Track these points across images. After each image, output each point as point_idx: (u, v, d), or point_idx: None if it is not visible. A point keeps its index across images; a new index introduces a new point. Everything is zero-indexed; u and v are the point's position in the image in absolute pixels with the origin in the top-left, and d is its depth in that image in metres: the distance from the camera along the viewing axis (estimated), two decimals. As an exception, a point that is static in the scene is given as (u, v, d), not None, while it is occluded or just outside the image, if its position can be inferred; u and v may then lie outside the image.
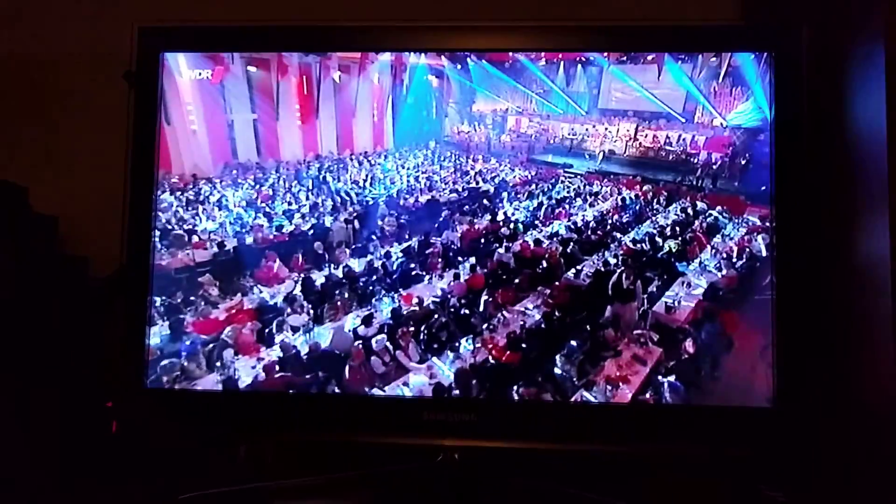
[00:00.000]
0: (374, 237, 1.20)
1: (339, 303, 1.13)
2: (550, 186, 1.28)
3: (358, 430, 0.97)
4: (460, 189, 1.27)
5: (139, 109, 1.05)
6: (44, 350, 1.07)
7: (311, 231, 1.21)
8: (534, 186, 1.30)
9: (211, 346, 1.08)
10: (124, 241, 1.05)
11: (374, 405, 0.96)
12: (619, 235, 1.23)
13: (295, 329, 1.11)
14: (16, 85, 1.32)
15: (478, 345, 1.09)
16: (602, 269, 1.16)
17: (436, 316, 1.13)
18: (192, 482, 1.00)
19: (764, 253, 1.05)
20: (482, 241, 1.21)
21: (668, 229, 1.23)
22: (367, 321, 1.13)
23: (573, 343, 1.08)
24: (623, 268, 1.13)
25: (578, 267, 1.19)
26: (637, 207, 1.27)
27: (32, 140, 1.31)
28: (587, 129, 1.28)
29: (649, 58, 1.11)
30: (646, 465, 0.98)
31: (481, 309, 1.13)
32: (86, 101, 1.30)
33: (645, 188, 1.27)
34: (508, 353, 1.09)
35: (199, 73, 1.10)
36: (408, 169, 1.32)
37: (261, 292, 1.13)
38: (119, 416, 1.00)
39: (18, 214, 1.12)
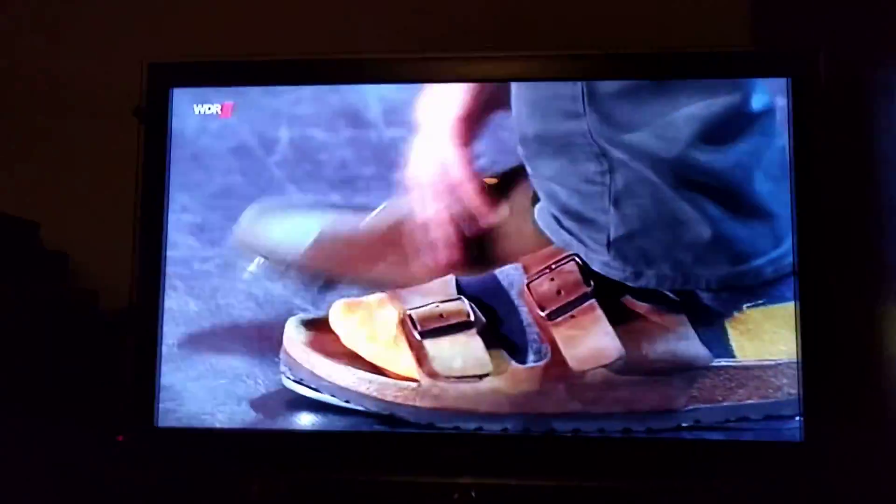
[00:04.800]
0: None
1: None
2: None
3: (370, 467, 0.96)
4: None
5: (149, 145, 1.05)
6: (54, 385, 1.06)
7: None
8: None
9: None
10: (134, 277, 1.04)
11: (386, 441, 0.94)
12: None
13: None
14: (26, 121, 1.34)
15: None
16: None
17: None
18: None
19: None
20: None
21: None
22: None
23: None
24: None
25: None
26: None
27: (43, 176, 1.33)
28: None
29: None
30: (670, 500, 0.94)
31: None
32: (96, 137, 1.31)
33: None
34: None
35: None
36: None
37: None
38: (130, 453, 0.99)
39: (30, 250, 1.13)
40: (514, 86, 0.98)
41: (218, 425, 1.00)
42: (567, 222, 0.95)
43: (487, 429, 0.94)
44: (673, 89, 0.91)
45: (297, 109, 1.08)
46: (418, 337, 0.95)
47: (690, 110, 0.91)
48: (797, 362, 0.95)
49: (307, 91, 1.09)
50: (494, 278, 0.97)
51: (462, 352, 0.93)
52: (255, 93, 1.08)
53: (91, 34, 1.38)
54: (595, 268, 0.95)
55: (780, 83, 0.99)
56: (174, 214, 1.07)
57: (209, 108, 1.08)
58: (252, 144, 1.09)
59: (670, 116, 0.92)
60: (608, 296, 0.94)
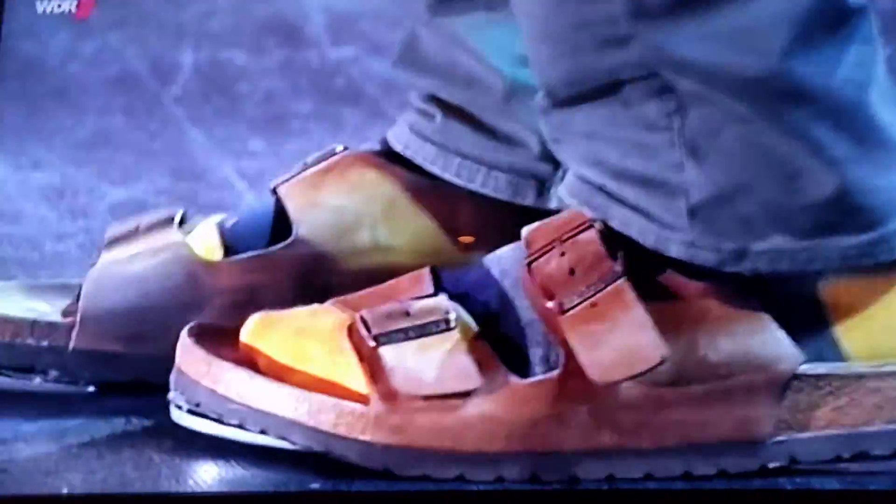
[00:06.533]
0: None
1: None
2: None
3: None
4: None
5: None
6: None
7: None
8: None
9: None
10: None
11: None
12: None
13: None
14: None
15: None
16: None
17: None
18: None
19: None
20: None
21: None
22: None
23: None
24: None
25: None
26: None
27: None
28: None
29: None
30: None
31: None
32: None
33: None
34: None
35: None
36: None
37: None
38: None
39: None
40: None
41: (66, 492, 0.69)
42: (626, 192, 0.72)
43: (473, 477, 0.69)
44: None
45: (208, 25, 0.87)
46: (371, 343, 0.69)
47: (777, 7, 0.70)
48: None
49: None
50: (482, 267, 0.75)
51: (437, 359, 0.69)
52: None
53: None
54: (673, 253, 0.72)
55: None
56: (20, 173, 0.84)
57: (59, 6, 0.83)
58: (141, 74, 0.88)
59: (752, 20, 0.70)
60: (643, 273, 0.71)
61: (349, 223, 0.77)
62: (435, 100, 0.77)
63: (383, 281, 0.76)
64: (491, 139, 0.76)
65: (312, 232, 0.76)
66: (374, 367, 0.69)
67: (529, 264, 0.71)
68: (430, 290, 0.72)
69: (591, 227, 0.71)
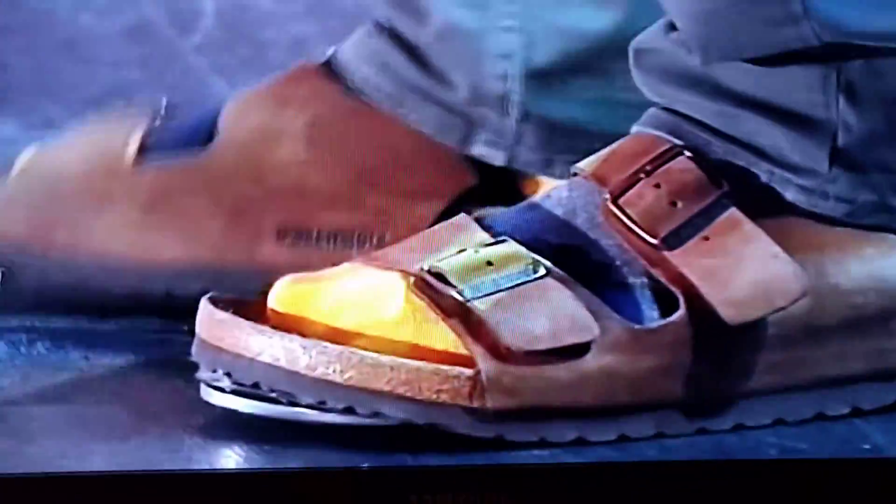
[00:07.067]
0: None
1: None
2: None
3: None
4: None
5: None
6: None
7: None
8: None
9: None
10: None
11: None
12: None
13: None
14: None
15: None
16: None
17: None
18: None
19: None
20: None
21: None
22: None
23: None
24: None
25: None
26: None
27: None
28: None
29: None
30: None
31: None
32: None
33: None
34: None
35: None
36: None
37: None
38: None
39: None
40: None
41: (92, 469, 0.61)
42: (740, 126, 0.68)
43: (594, 438, 0.64)
44: None
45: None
46: (460, 297, 0.64)
47: None
48: None
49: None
50: (535, 208, 0.70)
51: (544, 310, 0.64)
52: None
53: None
54: (789, 197, 0.68)
55: None
56: (32, 132, 0.80)
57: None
58: (158, 22, 0.85)
59: None
60: (755, 198, 0.68)
61: (271, 136, 0.74)
62: (380, 20, 0.76)
63: (303, 198, 0.74)
64: (424, 72, 0.74)
65: (233, 140, 0.74)
66: (470, 325, 0.63)
67: (615, 199, 0.66)
68: (483, 235, 0.66)
69: (679, 153, 0.66)
